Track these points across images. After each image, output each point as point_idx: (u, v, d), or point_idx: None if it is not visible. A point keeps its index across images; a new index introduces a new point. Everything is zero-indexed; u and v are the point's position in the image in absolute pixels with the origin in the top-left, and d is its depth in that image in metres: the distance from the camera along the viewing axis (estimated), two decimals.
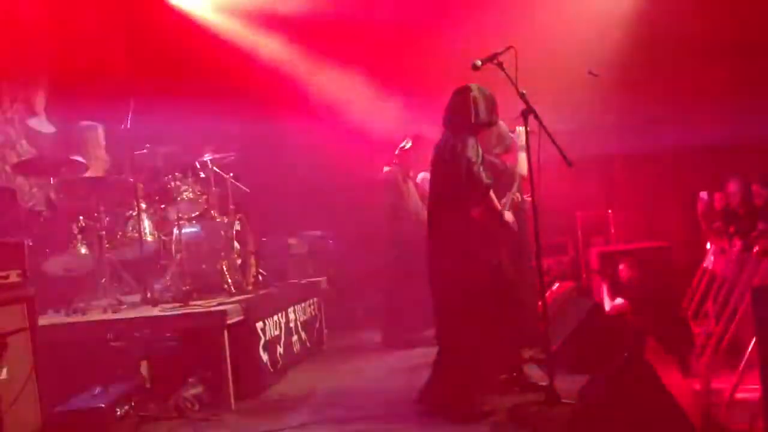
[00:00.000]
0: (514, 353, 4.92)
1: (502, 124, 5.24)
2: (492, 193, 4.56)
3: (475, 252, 4.53)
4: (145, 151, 6.50)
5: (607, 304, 6.53)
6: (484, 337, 4.47)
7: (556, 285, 7.07)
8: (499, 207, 4.64)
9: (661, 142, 8.45)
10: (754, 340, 3.64)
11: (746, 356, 3.92)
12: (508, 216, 4.72)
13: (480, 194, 4.50)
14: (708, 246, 6.72)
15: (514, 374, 4.88)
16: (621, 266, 6.88)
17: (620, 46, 8.10)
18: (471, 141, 4.54)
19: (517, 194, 5.13)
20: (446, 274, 4.60)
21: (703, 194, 7.56)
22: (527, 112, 4.46)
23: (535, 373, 5.02)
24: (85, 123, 6.47)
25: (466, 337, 4.47)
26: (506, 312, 4.61)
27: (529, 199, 4.70)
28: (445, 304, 4.64)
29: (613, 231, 8.58)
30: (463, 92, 4.67)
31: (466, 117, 4.60)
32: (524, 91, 4.45)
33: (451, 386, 4.47)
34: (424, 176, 6.90)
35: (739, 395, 3.90)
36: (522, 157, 5.01)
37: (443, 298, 4.66)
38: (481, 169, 4.49)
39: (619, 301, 6.48)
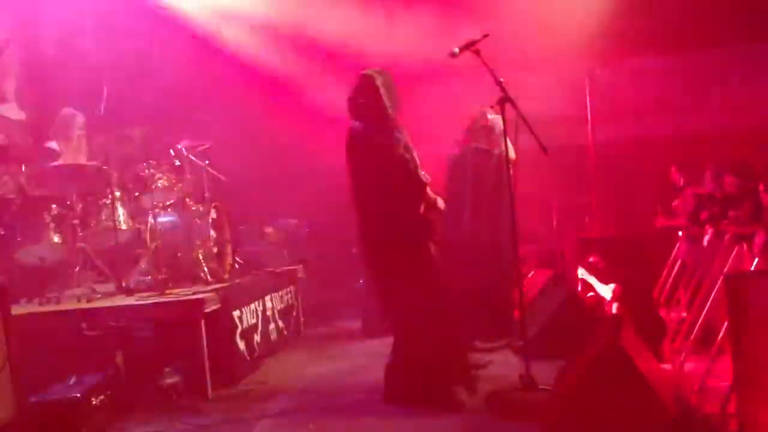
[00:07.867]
0: (463, 346, 4.86)
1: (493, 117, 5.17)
2: (428, 188, 4.47)
3: (416, 247, 4.43)
4: (118, 137, 6.41)
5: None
6: (436, 332, 4.43)
7: (532, 273, 7.12)
8: (433, 197, 4.52)
9: (639, 130, 8.54)
10: (725, 326, 3.71)
11: (717, 343, 3.99)
12: (440, 203, 4.60)
13: (420, 193, 4.41)
14: (680, 234, 6.80)
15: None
16: (591, 259, 6.94)
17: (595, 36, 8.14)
18: (397, 136, 4.36)
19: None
20: (390, 272, 4.47)
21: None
22: (504, 100, 4.45)
23: (512, 360, 5.07)
24: (63, 110, 6.33)
25: (418, 333, 4.44)
26: (449, 306, 4.54)
27: None
28: (394, 301, 4.55)
29: (588, 219, 8.66)
30: (367, 80, 4.41)
31: (380, 108, 4.37)
32: (502, 79, 4.44)
33: (418, 379, 4.43)
34: None
35: (710, 381, 3.97)
36: (506, 142, 4.94)
37: (390, 294, 4.55)
38: (415, 166, 4.37)
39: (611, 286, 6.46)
